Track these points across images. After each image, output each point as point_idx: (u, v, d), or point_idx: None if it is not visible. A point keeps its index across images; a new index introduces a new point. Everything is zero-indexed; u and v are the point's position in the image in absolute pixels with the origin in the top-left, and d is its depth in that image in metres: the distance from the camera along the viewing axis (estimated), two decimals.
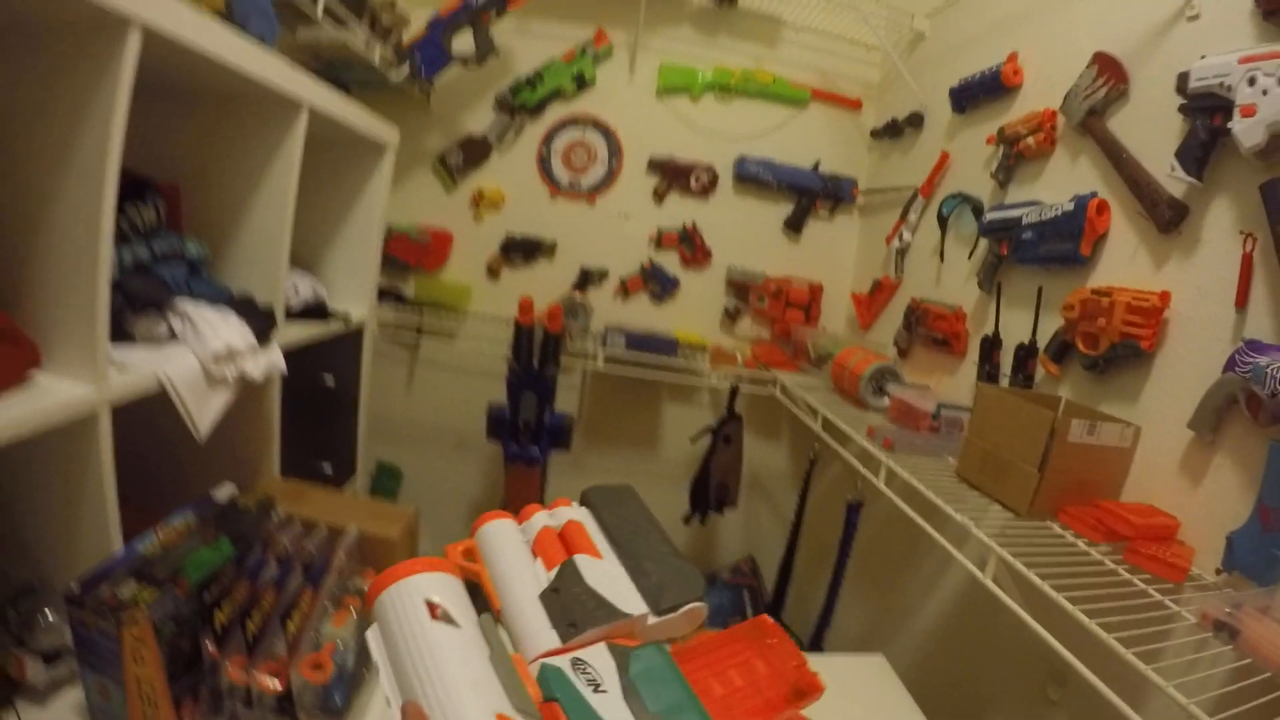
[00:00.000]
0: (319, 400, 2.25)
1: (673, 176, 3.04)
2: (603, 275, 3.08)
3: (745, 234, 3.10)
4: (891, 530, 2.39)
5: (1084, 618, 1.02)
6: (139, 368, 1.25)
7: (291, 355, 1.68)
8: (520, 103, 2.93)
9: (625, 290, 3.09)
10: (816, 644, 2.25)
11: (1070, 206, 1.63)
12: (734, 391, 2.82)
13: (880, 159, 2.97)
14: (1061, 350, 1.65)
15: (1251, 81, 1.19)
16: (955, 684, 1.93)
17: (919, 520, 1.50)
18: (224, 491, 1.42)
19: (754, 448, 3.05)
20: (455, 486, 3.11)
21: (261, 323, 1.57)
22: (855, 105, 3.05)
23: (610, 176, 3.05)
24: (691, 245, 3.06)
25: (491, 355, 2.85)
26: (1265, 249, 1.21)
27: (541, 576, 0.71)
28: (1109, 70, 1.61)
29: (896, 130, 2.75)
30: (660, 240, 3.07)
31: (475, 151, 2.97)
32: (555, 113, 3.00)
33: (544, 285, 3.01)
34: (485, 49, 2.50)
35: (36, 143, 1.08)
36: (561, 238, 3.05)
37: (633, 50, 2.97)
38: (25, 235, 1.10)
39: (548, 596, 0.68)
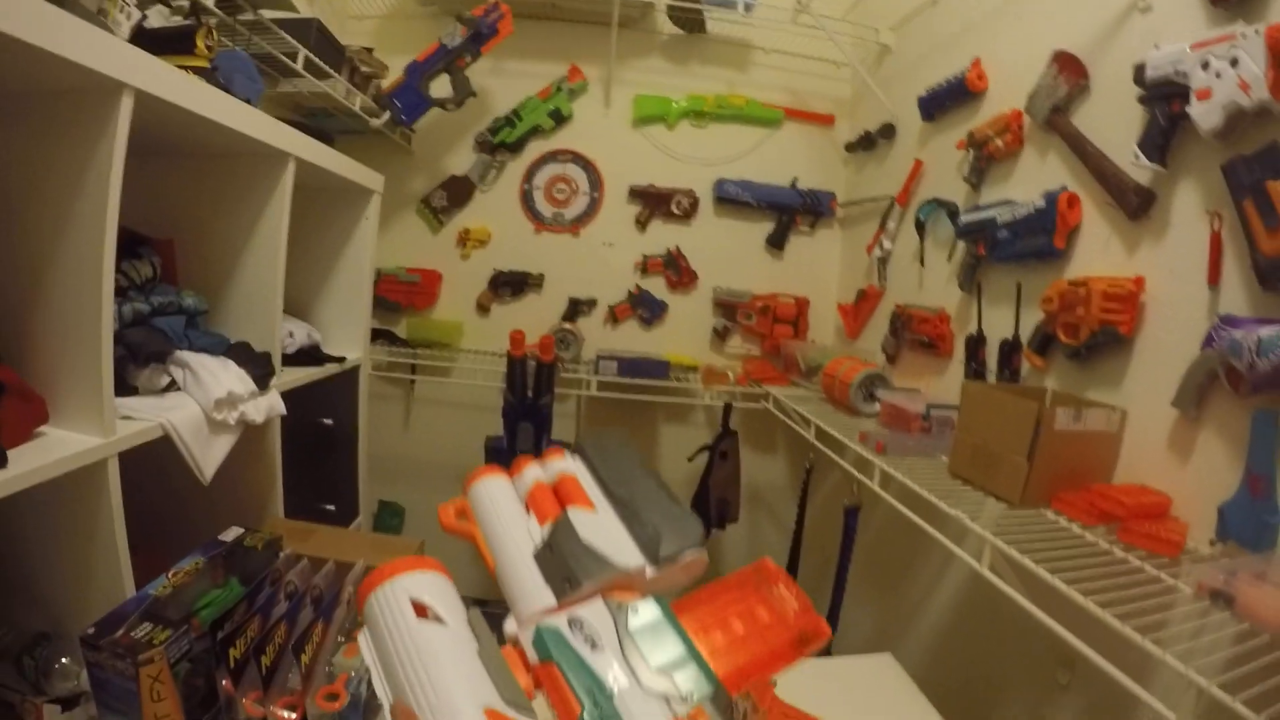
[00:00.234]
0: (319, 443, 2.27)
1: (654, 203, 3.09)
2: (591, 304, 3.12)
3: (729, 254, 3.14)
4: (891, 531, 2.41)
5: (1079, 596, 1.03)
6: (144, 417, 1.27)
7: (289, 399, 1.71)
8: (500, 141, 2.99)
9: (614, 317, 3.13)
10: (824, 648, 2.26)
11: (1042, 203, 1.67)
12: (728, 408, 2.85)
13: (856, 171, 3.03)
14: (1044, 342, 1.68)
15: (1205, 66, 1.23)
16: (965, 677, 1.94)
17: (916, 519, 1.51)
18: (231, 534, 1.44)
19: (751, 462, 3.07)
20: None
21: (260, 368, 1.59)
22: (828, 121, 3.11)
23: (593, 207, 3.10)
24: (677, 269, 3.11)
25: (486, 389, 2.88)
26: (1232, 226, 1.24)
27: (536, 533, 0.68)
28: (1069, 68, 1.66)
29: (870, 142, 2.80)
30: (646, 266, 3.12)
31: (459, 191, 3.02)
32: (535, 149, 3.06)
33: (534, 318, 3.04)
34: (463, 92, 2.55)
35: (38, 204, 1.12)
36: (549, 270, 3.09)
37: (607, 83, 3.03)
38: (30, 293, 1.13)
39: (542, 554, 0.66)
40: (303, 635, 1.29)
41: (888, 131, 2.67)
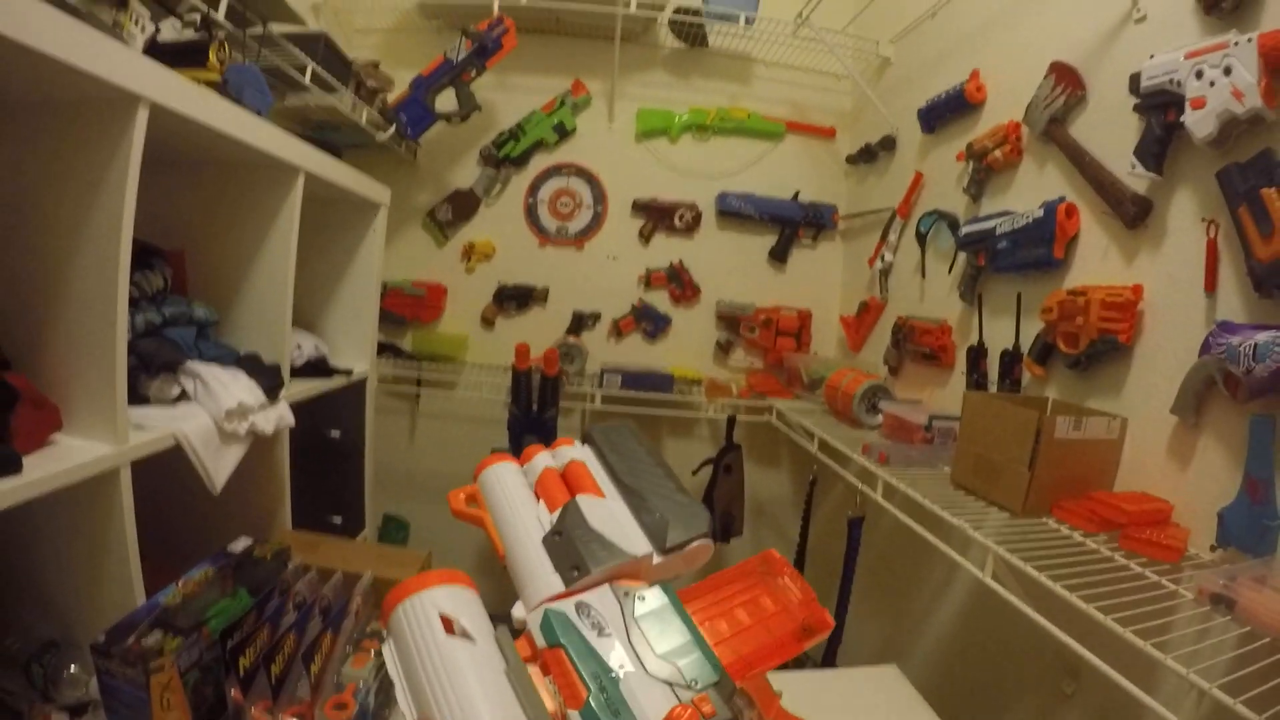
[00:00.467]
0: (326, 455, 2.28)
1: (657, 217, 3.10)
2: (595, 318, 3.14)
3: (732, 267, 3.16)
4: (895, 542, 2.42)
5: (1082, 603, 1.05)
6: (156, 426, 1.29)
7: (297, 411, 1.72)
8: (504, 155, 3.01)
9: (618, 331, 3.14)
10: (830, 660, 2.26)
11: (1040, 213, 1.69)
12: (731, 421, 2.86)
13: (857, 184, 3.05)
14: (1044, 352, 1.70)
15: (1199, 75, 1.25)
16: (970, 688, 1.94)
17: (920, 530, 1.52)
18: (240, 544, 1.45)
19: (755, 475, 3.07)
20: (463, 534, 3.06)
21: (270, 380, 1.61)
22: (829, 134, 3.13)
23: (596, 221, 3.12)
24: (680, 282, 3.12)
25: (491, 402, 2.90)
26: (1228, 233, 1.26)
27: (545, 519, 0.69)
28: (1066, 78, 1.68)
29: (871, 155, 2.82)
30: (649, 280, 3.13)
31: (464, 205, 3.04)
32: (539, 163, 3.08)
33: (539, 331, 3.06)
34: (468, 106, 2.57)
35: (54, 214, 1.13)
36: (553, 284, 3.11)
37: (610, 97, 3.05)
38: (45, 302, 1.15)
39: (550, 540, 0.66)
40: (311, 645, 1.30)
41: (888, 143, 2.69)
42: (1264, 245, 1.15)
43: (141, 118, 1.11)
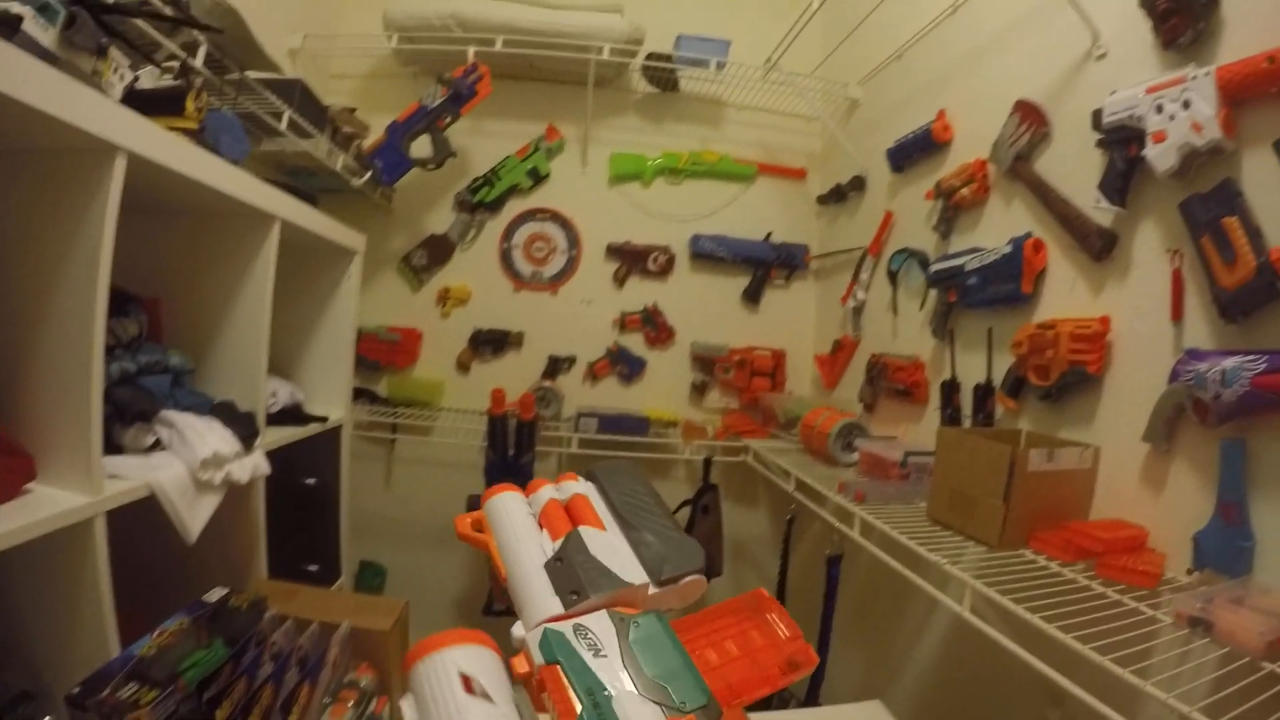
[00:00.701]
0: (301, 503, 2.25)
1: (631, 260, 3.13)
2: (571, 362, 3.14)
3: (706, 309, 3.18)
4: (875, 578, 2.42)
5: (1060, 634, 1.05)
6: (131, 476, 1.28)
7: (272, 459, 1.71)
8: (479, 200, 3.04)
9: (594, 374, 3.15)
10: (813, 698, 2.25)
11: (1008, 249, 1.72)
12: (708, 463, 2.87)
13: (828, 224, 3.09)
14: (1016, 385, 1.72)
15: (1159, 109, 1.29)
16: None
17: (898, 566, 1.52)
18: (215, 594, 1.43)
19: (733, 515, 3.07)
20: (440, 580, 3.09)
21: (245, 429, 1.60)
22: (800, 175, 3.18)
23: (571, 265, 3.14)
24: (654, 325, 3.14)
25: (468, 448, 2.89)
26: (1192, 262, 1.29)
27: (547, 547, 0.72)
28: (1030, 116, 1.72)
29: (841, 195, 2.87)
30: (624, 323, 3.15)
31: (439, 250, 3.06)
32: (514, 208, 3.11)
33: (514, 376, 3.05)
34: (443, 152, 2.59)
35: (31, 261, 1.13)
36: (528, 328, 3.12)
37: (583, 142, 3.10)
38: (20, 350, 1.14)
39: (552, 565, 0.69)
40: (289, 696, 1.28)
41: (858, 184, 2.74)
42: (1227, 273, 1.18)
43: (119, 167, 1.12)
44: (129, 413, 1.36)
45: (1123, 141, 1.40)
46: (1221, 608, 1.02)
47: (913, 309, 2.26)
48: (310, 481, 2.29)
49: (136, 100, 1.22)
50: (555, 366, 3.12)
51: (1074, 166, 1.60)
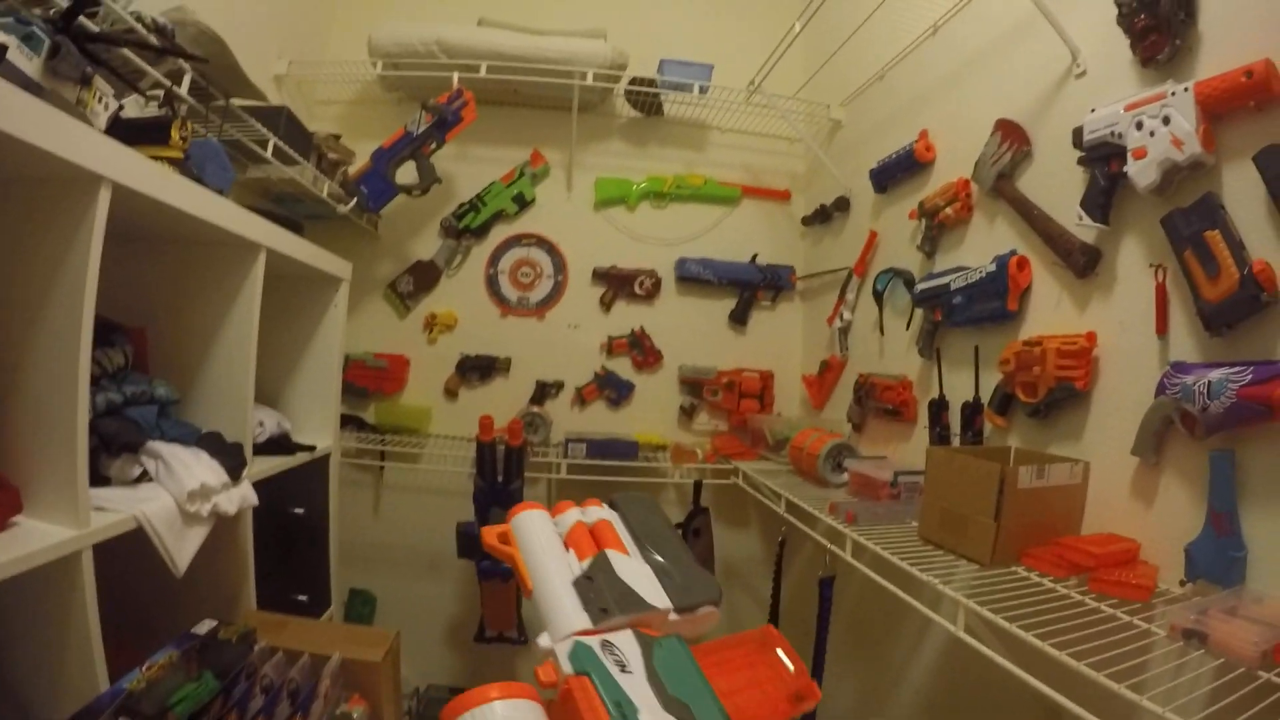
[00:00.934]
0: (290, 532, 2.24)
1: (617, 284, 3.14)
2: (559, 387, 3.13)
3: (693, 332, 3.19)
4: (868, 599, 2.41)
5: (1054, 651, 1.05)
6: (118, 508, 1.26)
7: (260, 489, 1.69)
8: (465, 226, 3.04)
9: (582, 399, 3.14)
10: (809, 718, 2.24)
11: (993, 267, 1.73)
12: (698, 486, 2.85)
13: (814, 245, 3.11)
14: (1004, 402, 1.72)
15: (1139, 126, 1.31)
16: None
17: (890, 587, 1.51)
18: (204, 626, 1.42)
19: (724, 538, 3.06)
20: (430, 607, 3.06)
21: (232, 459, 1.59)
22: (784, 196, 3.20)
23: (557, 290, 3.14)
24: (642, 349, 3.14)
25: (456, 474, 2.87)
26: (1175, 276, 1.30)
27: (573, 565, 0.76)
28: (1011, 135, 1.74)
29: (825, 216, 2.89)
30: (611, 347, 3.15)
31: (425, 276, 3.06)
32: (499, 233, 3.12)
33: (502, 401, 3.05)
34: (428, 178, 2.60)
35: (14, 291, 1.12)
36: (515, 354, 3.11)
37: (568, 167, 3.11)
38: (4, 381, 1.13)
39: (581, 583, 0.73)
40: None
41: (842, 204, 2.76)
42: (1211, 286, 1.19)
43: (104, 197, 1.11)
44: (115, 444, 1.35)
45: (1104, 158, 1.41)
46: (1215, 619, 1.02)
47: (899, 328, 2.27)
48: (298, 511, 2.27)
49: (121, 129, 1.22)
50: (543, 392, 3.11)
51: (1056, 184, 1.62)
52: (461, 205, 3.05)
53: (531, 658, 0.70)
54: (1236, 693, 0.94)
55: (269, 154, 1.98)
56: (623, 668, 0.63)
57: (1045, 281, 1.66)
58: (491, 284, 3.11)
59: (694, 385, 3.16)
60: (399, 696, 1.77)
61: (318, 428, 2.30)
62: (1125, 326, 1.43)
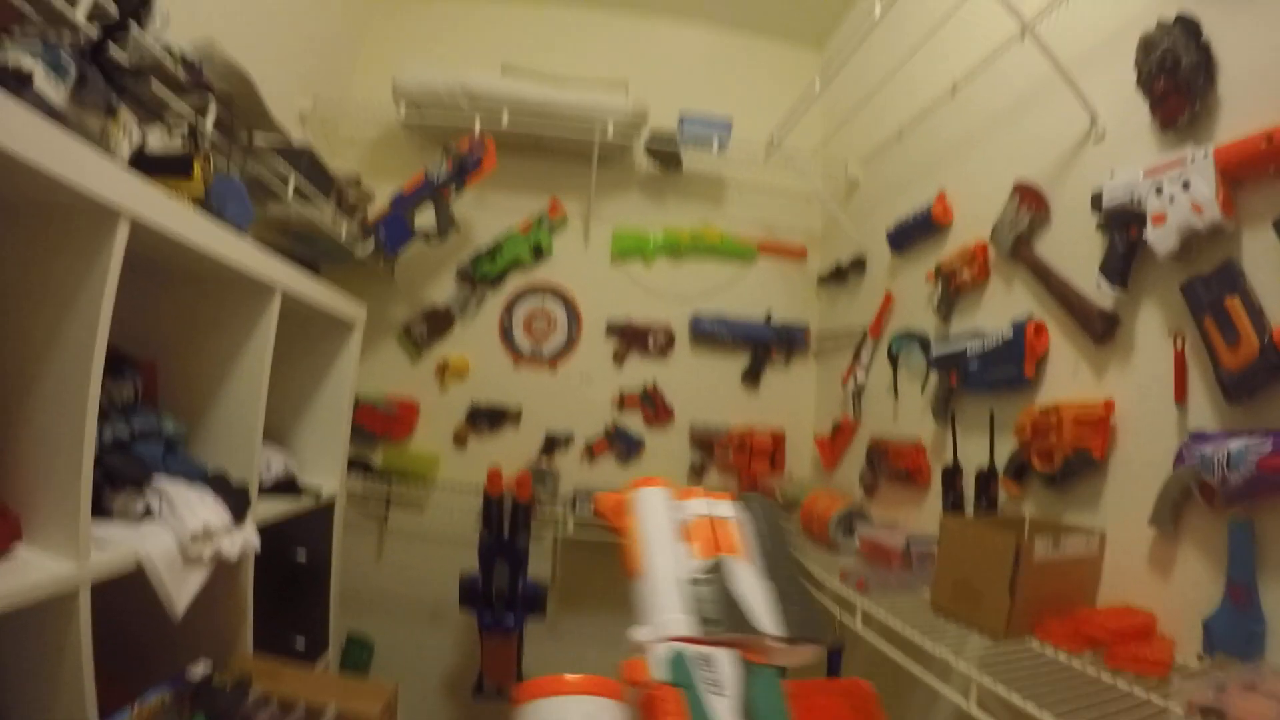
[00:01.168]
0: (291, 575, 2.21)
1: (631, 339, 3.14)
2: (568, 439, 3.12)
3: (705, 389, 3.17)
4: (878, 670, 2.35)
5: None
6: (118, 546, 1.24)
7: (263, 530, 1.67)
8: (481, 274, 3.06)
9: (591, 453, 3.12)
10: None
11: (1009, 332, 1.72)
12: None
13: (829, 304, 3.11)
14: (1020, 470, 1.70)
15: (1158, 191, 1.30)
16: None
17: (901, 659, 1.48)
18: (199, 669, 1.39)
19: None
20: (429, 658, 3.01)
21: (237, 502, 1.57)
22: (800, 254, 3.21)
23: (570, 342, 3.14)
24: (653, 405, 3.13)
25: (462, 524, 2.85)
26: (1195, 344, 1.28)
27: (689, 561, 0.74)
28: (1029, 198, 1.73)
29: (841, 275, 2.89)
30: (622, 402, 3.14)
31: (439, 322, 3.07)
32: (515, 282, 3.13)
33: (511, 452, 3.03)
34: (446, 224, 2.62)
35: (28, 319, 1.12)
36: (526, 404, 3.10)
37: (586, 219, 3.14)
38: (12, 409, 1.12)
39: (692, 585, 0.71)
40: None
41: (858, 264, 2.76)
42: (1231, 354, 1.17)
43: (122, 231, 1.12)
44: (120, 478, 1.34)
45: (1123, 224, 1.40)
46: (1234, 695, 0.98)
47: (913, 391, 2.25)
48: (301, 557, 2.25)
49: (144, 162, 1.23)
50: (552, 444, 3.10)
51: (1074, 248, 1.61)
52: (478, 252, 3.08)
53: None
54: None
55: (290, 194, 1.99)
56: (717, 689, 0.61)
57: (1062, 347, 1.64)
58: (505, 333, 3.12)
59: (705, 443, 3.14)
60: None
61: (325, 470, 2.28)
62: (1144, 394, 1.41)
